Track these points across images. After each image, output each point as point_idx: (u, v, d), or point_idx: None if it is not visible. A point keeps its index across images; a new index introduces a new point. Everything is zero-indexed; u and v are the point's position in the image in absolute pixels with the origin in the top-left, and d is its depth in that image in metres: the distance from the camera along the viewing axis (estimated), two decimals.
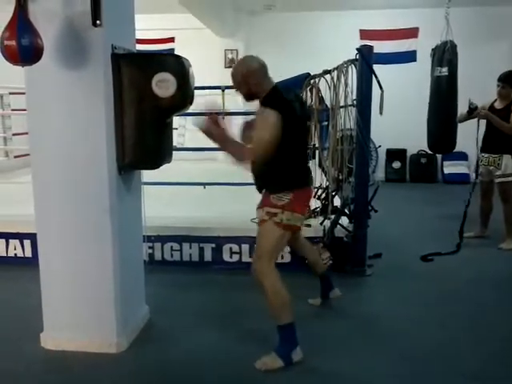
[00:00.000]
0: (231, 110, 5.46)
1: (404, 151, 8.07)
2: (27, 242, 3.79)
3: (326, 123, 4.20)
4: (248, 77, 2.30)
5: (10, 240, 3.82)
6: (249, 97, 2.39)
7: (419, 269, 3.76)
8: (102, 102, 2.28)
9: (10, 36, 1.92)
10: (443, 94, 4.96)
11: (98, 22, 2.18)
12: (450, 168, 7.84)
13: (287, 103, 2.34)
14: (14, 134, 6.19)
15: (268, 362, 2.36)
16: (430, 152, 6.02)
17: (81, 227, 2.43)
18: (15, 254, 3.83)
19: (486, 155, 4.33)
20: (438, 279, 3.54)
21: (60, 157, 2.38)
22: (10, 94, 6.10)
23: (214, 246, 3.73)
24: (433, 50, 5.02)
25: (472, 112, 4.31)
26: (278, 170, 2.39)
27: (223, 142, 2.37)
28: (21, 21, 1.95)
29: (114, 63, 2.30)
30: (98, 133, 2.31)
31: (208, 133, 2.36)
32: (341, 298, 3.01)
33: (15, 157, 6.20)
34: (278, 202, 2.35)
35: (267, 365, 2.35)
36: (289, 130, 2.28)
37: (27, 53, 1.95)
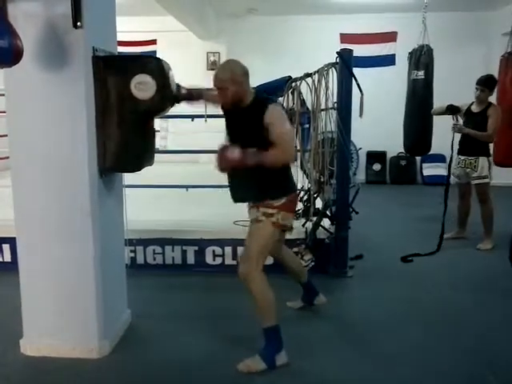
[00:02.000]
0: (213, 113, 5.47)
1: (384, 153, 8.18)
2: (6, 247, 3.72)
3: (308, 126, 4.24)
4: (235, 80, 2.30)
5: None
6: (232, 100, 2.35)
7: (400, 270, 3.82)
8: (82, 105, 2.26)
9: None
10: (419, 96, 5.06)
11: (78, 23, 2.17)
12: (429, 170, 7.98)
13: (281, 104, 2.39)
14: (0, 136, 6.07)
15: (251, 365, 2.37)
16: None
17: (61, 231, 2.40)
18: None
19: (463, 157, 4.42)
20: (418, 280, 3.60)
21: (40, 160, 2.35)
22: None
23: (196, 248, 3.73)
24: (410, 53, 5.12)
25: (452, 112, 4.35)
26: (278, 175, 2.39)
27: (246, 162, 2.26)
28: (0, 22, 1.92)
29: (94, 65, 2.29)
30: (78, 135, 2.30)
31: (230, 167, 2.33)
32: (326, 303, 2.99)
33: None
34: (274, 202, 2.38)
35: (250, 367, 2.36)
36: None
37: (6, 54, 1.93)
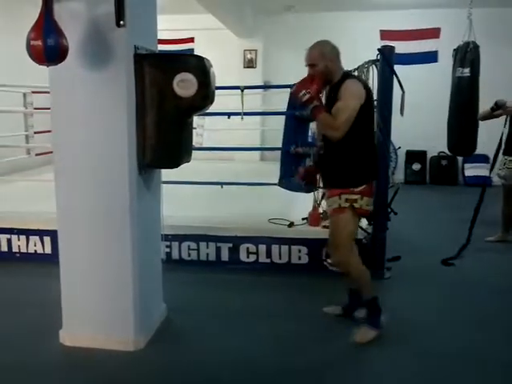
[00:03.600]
0: (249, 111, 5.47)
1: (424, 153, 7.96)
2: (47, 239, 3.84)
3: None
4: (324, 56, 2.50)
5: (31, 236, 3.88)
6: (322, 76, 2.48)
7: (439, 273, 3.70)
8: (124, 102, 2.30)
9: (35, 36, 1.95)
10: (464, 94, 4.88)
11: (121, 22, 2.20)
12: (472, 170, 7.70)
13: (365, 83, 2.60)
14: (35, 132, 6.29)
15: (364, 335, 2.58)
16: (450, 154, 5.93)
17: (101, 225, 2.45)
18: (35, 251, 3.88)
19: (510, 158, 4.24)
20: (459, 285, 3.47)
21: (82, 155, 2.41)
22: (33, 92, 6.20)
23: (230, 245, 3.74)
24: (455, 50, 4.94)
25: (497, 109, 4.19)
26: (362, 162, 2.50)
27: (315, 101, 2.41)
28: (47, 21, 1.98)
29: (136, 63, 2.32)
30: (119, 132, 2.34)
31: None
32: (363, 320, 2.73)
33: (37, 154, 6.29)
34: (356, 188, 2.48)
35: (365, 337, 2.57)
36: (368, 109, 2.47)
37: (52, 53, 1.98)
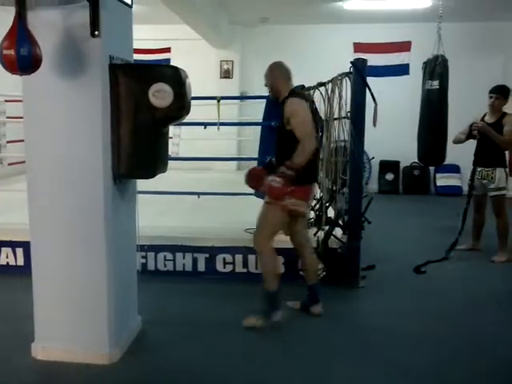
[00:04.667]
0: (226, 121, 5.49)
1: (397, 163, 8.13)
2: (19, 250, 3.77)
3: (320, 134, 4.23)
4: (270, 74, 2.89)
5: (3, 248, 3.80)
6: (271, 92, 2.93)
7: (412, 281, 3.78)
8: (98, 112, 2.29)
9: (8, 45, 1.93)
10: (434, 106, 5.01)
11: (96, 32, 2.20)
12: (443, 180, 7.91)
13: (307, 97, 2.95)
14: (8, 142, 6.17)
15: (254, 321, 2.85)
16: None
17: (75, 235, 2.42)
18: (7, 263, 3.80)
19: (480, 169, 4.38)
20: (431, 292, 3.56)
21: (55, 165, 2.38)
22: (6, 101, 6.09)
23: (207, 256, 3.73)
24: (424, 63, 5.08)
25: (470, 137, 4.37)
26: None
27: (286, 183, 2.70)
28: (20, 30, 1.96)
29: (111, 73, 2.31)
30: (94, 142, 2.32)
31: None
32: (319, 316, 3.04)
33: (9, 164, 6.18)
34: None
35: (253, 323, 2.84)
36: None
37: (25, 62, 1.96)
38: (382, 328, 2.95)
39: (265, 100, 4.56)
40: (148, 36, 7.27)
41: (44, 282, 2.49)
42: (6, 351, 2.60)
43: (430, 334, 2.89)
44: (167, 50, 8.30)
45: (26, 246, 3.60)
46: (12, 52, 1.93)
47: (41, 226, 2.46)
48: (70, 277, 2.46)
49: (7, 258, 3.80)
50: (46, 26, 2.23)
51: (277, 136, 2.96)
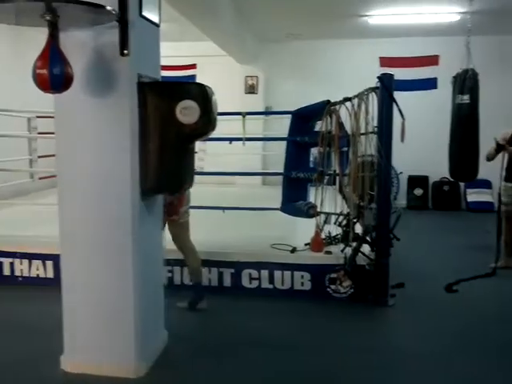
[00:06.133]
0: (251, 136, 5.52)
1: (426, 178, 7.98)
2: (49, 263, 3.84)
3: (346, 149, 4.20)
4: None
5: (34, 260, 3.88)
6: None
7: (444, 300, 3.65)
8: (127, 129, 2.33)
9: (42, 65, 1.98)
10: (464, 121, 4.93)
11: (125, 51, 2.24)
12: (474, 196, 7.70)
13: None
14: (39, 157, 6.34)
15: (183, 303, 3.32)
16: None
17: (103, 250, 2.45)
18: (37, 275, 3.88)
19: (510, 184, 4.25)
20: (463, 312, 3.43)
21: (85, 180, 2.43)
22: (37, 117, 6.28)
23: (232, 271, 3.72)
24: (454, 77, 5.01)
25: (500, 149, 4.28)
26: None
27: None
28: (53, 50, 2.01)
29: (139, 91, 2.36)
30: (122, 157, 2.36)
31: None
32: (205, 309, 3.35)
33: (40, 178, 6.34)
34: None
35: (183, 304, 3.32)
36: None
37: (58, 81, 2.02)
38: (411, 349, 2.86)
39: (290, 115, 4.58)
40: (174, 53, 7.40)
41: (73, 295, 2.52)
42: (36, 363, 2.63)
43: (452, 355, 2.79)
44: (193, 66, 8.44)
45: (55, 258, 3.69)
46: (45, 71, 1.98)
47: (70, 239, 2.49)
48: (97, 290, 2.49)
49: (37, 270, 3.88)
50: (77, 46, 2.29)
51: None
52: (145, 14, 2.39)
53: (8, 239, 4.01)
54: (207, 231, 4.42)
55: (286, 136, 4.55)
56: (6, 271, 3.91)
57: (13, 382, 2.46)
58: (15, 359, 2.68)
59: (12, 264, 3.90)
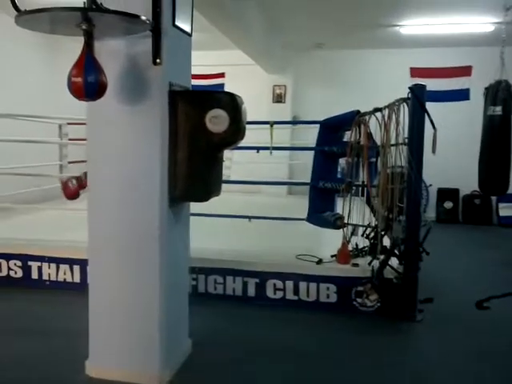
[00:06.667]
0: (278, 145, 5.51)
1: (456, 191, 7.79)
2: (76, 268, 3.89)
3: (374, 160, 4.14)
4: None
5: (61, 265, 3.94)
6: None
7: (474, 318, 3.53)
8: (157, 136, 2.35)
9: (77, 73, 2.02)
10: (496, 133, 4.82)
11: (157, 60, 2.27)
12: (506, 210, 7.46)
13: None
14: (69, 162, 6.49)
15: None
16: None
17: (131, 256, 2.47)
18: (64, 279, 3.94)
19: None
20: (494, 331, 3.31)
21: (115, 186, 2.45)
22: (68, 124, 6.43)
23: (257, 281, 3.69)
24: (486, 88, 4.91)
25: None
26: None
27: None
28: (88, 59, 2.05)
29: (170, 99, 2.38)
30: (152, 165, 2.38)
31: None
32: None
33: None
34: None
35: None
36: None
37: (92, 89, 2.05)
38: (438, 366, 2.77)
39: (317, 124, 4.55)
40: (203, 62, 7.49)
41: (99, 300, 2.54)
42: (60, 367, 2.66)
43: (479, 376, 2.68)
44: (221, 75, 8.52)
45: (82, 263, 3.75)
46: (80, 79, 2.01)
47: (98, 245, 2.52)
48: (123, 296, 2.50)
49: (65, 274, 3.94)
50: (110, 55, 2.33)
51: None
52: (178, 23, 2.41)
53: (37, 243, 4.10)
54: (233, 240, 4.42)
55: (313, 146, 4.53)
56: (34, 275, 3.98)
57: None
58: (40, 362, 2.71)
59: (40, 268, 3.97)
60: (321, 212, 4.16)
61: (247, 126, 2.56)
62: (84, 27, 2.01)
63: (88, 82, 2.01)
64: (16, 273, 4.00)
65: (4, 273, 4.01)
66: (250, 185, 7.27)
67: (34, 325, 3.23)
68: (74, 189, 2.96)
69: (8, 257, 4.00)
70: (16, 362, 2.70)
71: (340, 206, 3.90)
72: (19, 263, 3.99)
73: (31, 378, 2.55)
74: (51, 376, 2.57)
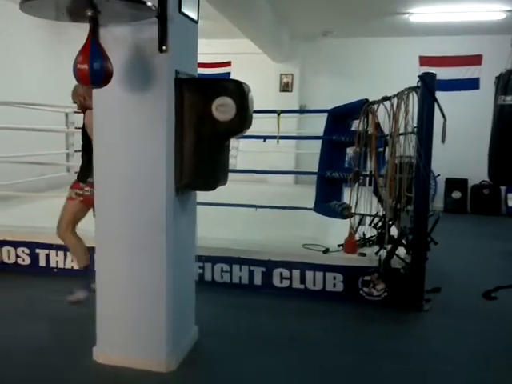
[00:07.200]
0: (285, 134, 5.47)
1: (465, 181, 7.73)
2: None
3: (382, 149, 4.10)
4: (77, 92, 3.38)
5: (68, 253, 3.96)
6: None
7: (481, 307, 3.51)
8: (163, 124, 2.34)
9: (82, 60, 2.01)
10: (506, 122, 4.74)
11: (163, 47, 2.25)
12: None
13: None
14: (76, 151, 6.49)
15: (78, 295, 3.31)
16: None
17: (137, 244, 2.47)
18: (72, 267, 3.96)
19: None
20: (501, 321, 3.30)
21: (121, 174, 2.45)
22: (75, 112, 6.43)
23: (264, 269, 3.69)
24: (497, 77, 4.83)
25: None
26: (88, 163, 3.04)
27: None
28: (93, 46, 2.04)
29: (176, 87, 2.36)
30: (158, 153, 2.37)
31: None
32: (81, 303, 3.29)
33: (76, 172, 6.47)
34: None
35: (78, 297, 3.31)
36: None
37: (98, 76, 2.04)
38: (445, 355, 2.76)
39: (325, 114, 4.51)
40: (209, 50, 7.43)
41: (106, 288, 2.55)
42: (68, 353, 2.69)
43: (486, 366, 2.68)
44: (228, 63, 8.45)
45: (90, 251, 3.76)
46: (85, 66, 2.00)
47: (105, 232, 2.53)
48: (130, 285, 2.51)
49: (72, 262, 3.96)
50: (116, 42, 2.31)
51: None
52: (184, 10, 2.39)
53: (44, 231, 4.11)
54: (239, 229, 4.42)
55: (320, 135, 4.49)
56: (42, 262, 4.02)
57: (44, 370, 2.52)
58: (48, 348, 2.74)
59: (48, 255, 4.01)
60: (328, 201, 4.14)
61: (254, 115, 2.54)
62: (89, 14, 2.00)
63: (94, 69, 2.00)
64: (24, 260, 4.04)
65: (12, 260, 4.05)
66: (257, 174, 7.25)
67: (41, 311, 3.26)
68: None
69: (16, 244, 4.04)
70: (23, 347, 2.74)
71: (347, 195, 3.87)
72: (27, 251, 4.03)
73: (38, 362, 2.58)
74: (58, 361, 2.60)
